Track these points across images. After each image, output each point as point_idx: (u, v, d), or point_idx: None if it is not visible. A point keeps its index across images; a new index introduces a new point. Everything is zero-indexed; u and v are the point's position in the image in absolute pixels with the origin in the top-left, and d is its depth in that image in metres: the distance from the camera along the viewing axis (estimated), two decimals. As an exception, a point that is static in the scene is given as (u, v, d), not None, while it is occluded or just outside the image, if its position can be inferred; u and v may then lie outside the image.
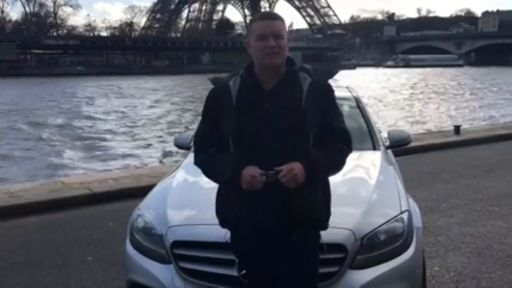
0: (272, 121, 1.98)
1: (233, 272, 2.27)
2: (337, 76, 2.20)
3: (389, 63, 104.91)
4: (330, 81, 2.13)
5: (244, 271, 2.21)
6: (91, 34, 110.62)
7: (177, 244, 2.48)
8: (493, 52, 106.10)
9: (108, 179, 6.73)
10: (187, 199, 2.86)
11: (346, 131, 2.09)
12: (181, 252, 2.47)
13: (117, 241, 4.14)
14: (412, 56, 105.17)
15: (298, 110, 1.97)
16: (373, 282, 2.36)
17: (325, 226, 2.10)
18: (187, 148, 3.86)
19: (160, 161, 11.61)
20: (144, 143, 14.61)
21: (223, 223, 2.14)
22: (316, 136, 1.99)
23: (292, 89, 2.01)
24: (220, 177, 2.04)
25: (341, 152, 2.06)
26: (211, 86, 2.17)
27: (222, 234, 2.24)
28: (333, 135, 2.04)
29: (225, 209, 2.09)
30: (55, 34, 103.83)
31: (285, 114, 1.98)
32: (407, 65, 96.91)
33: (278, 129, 1.97)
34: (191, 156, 3.61)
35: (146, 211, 2.84)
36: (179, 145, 4.01)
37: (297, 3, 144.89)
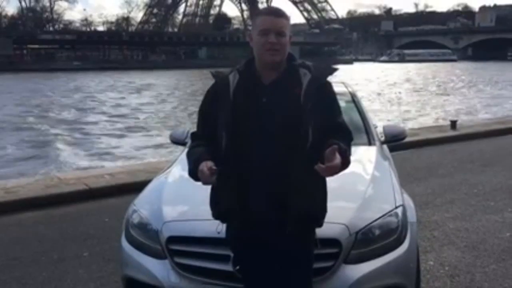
0: (269, 115, 1.97)
1: (228, 267, 2.27)
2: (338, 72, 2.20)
3: (383, 58, 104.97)
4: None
5: (238, 266, 2.22)
6: (88, 29, 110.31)
7: (172, 239, 2.48)
8: (491, 47, 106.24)
9: (104, 175, 6.73)
10: (183, 194, 2.86)
11: (349, 129, 2.07)
12: (177, 247, 2.47)
13: (113, 237, 4.14)
14: (406, 51, 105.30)
15: (296, 105, 1.96)
16: (367, 277, 2.37)
17: (320, 223, 2.10)
18: (183, 143, 3.85)
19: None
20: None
21: (215, 215, 2.14)
22: (315, 133, 1.96)
23: (291, 85, 2.00)
24: (188, 171, 2.07)
25: (350, 148, 2.00)
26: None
27: (219, 229, 2.25)
28: (337, 133, 2.00)
29: (217, 201, 2.10)
30: (51, 29, 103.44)
31: (282, 108, 1.97)
32: (402, 60, 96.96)
33: (275, 124, 1.96)
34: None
35: (141, 206, 2.84)
36: (174, 141, 4.00)
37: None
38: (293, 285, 2.09)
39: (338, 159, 1.81)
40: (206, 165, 1.90)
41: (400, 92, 30.08)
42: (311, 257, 2.14)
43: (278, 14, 2.01)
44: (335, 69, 2.13)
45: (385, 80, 40.66)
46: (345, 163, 1.89)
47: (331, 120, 2.02)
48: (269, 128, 1.96)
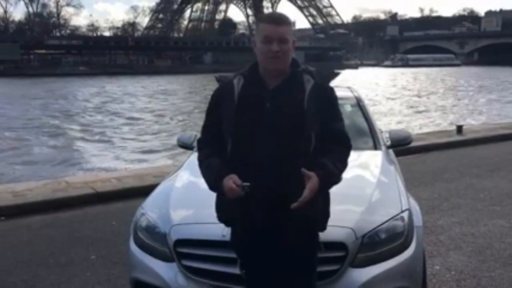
0: (272, 120, 1.99)
1: (235, 270, 2.29)
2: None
3: (386, 63, 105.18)
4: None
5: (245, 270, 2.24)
6: (94, 34, 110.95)
7: (180, 242, 2.51)
8: (497, 52, 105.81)
9: (111, 179, 6.77)
10: (190, 198, 2.89)
11: (347, 136, 2.10)
12: (184, 250, 2.50)
13: (120, 240, 4.18)
14: (410, 56, 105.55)
15: (299, 111, 1.98)
16: (374, 281, 2.39)
17: (322, 227, 2.11)
18: (190, 148, 3.88)
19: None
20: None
21: (219, 219, 2.17)
22: (318, 138, 1.99)
23: (295, 90, 2.02)
24: (208, 184, 2.10)
25: (344, 161, 2.06)
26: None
27: (224, 232, 2.29)
28: (335, 139, 2.05)
29: (220, 208, 2.13)
30: (58, 34, 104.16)
31: (285, 114, 1.99)
32: (405, 64, 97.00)
33: (278, 129, 1.98)
34: (194, 156, 3.65)
35: (149, 210, 2.87)
36: (182, 145, 4.03)
37: (299, 2, 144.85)
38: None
39: (307, 191, 1.88)
40: (233, 181, 1.93)
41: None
42: (314, 261, 2.15)
43: (280, 21, 2.02)
44: (337, 74, 2.16)
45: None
46: (327, 184, 1.98)
47: (330, 127, 2.04)
48: (272, 133, 1.98)
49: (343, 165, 2.05)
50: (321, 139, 2.00)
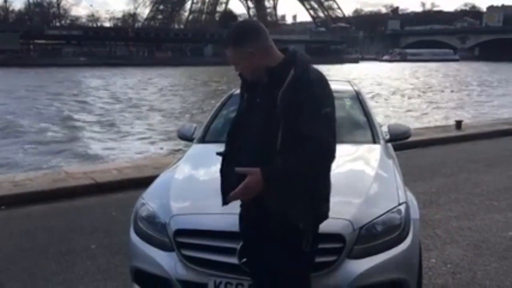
0: (257, 115, 1.99)
1: (234, 260, 2.33)
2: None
3: (385, 57, 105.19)
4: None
5: (244, 259, 2.28)
6: (94, 25, 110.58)
7: (180, 232, 2.54)
8: (498, 47, 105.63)
9: (111, 170, 6.81)
10: (190, 189, 2.92)
11: (317, 137, 1.88)
12: (184, 240, 2.53)
13: (120, 230, 4.22)
14: (408, 50, 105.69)
15: (272, 106, 1.93)
16: (370, 272, 2.42)
17: (294, 224, 1.97)
18: (190, 139, 3.89)
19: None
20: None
21: None
22: (284, 136, 1.90)
23: (277, 84, 1.96)
24: None
25: (302, 161, 1.88)
26: None
27: (223, 223, 2.33)
28: (302, 138, 1.88)
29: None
30: (58, 24, 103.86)
31: (263, 109, 1.97)
32: (403, 59, 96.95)
33: (258, 125, 1.98)
34: (194, 147, 3.68)
35: (150, 200, 2.90)
36: (182, 137, 4.04)
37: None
38: (282, 280, 2.08)
39: (240, 186, 1.89)
40: None
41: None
42: (303, 255, 2.06)
43: (224, 44, 2.02)
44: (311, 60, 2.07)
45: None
46: (272, 182, 1.88)
47: (299, 125, 1.89)
48: (254, 129, 2.00)
49: (299, 165, 1.89)
50: (289, 136, 1.89)
